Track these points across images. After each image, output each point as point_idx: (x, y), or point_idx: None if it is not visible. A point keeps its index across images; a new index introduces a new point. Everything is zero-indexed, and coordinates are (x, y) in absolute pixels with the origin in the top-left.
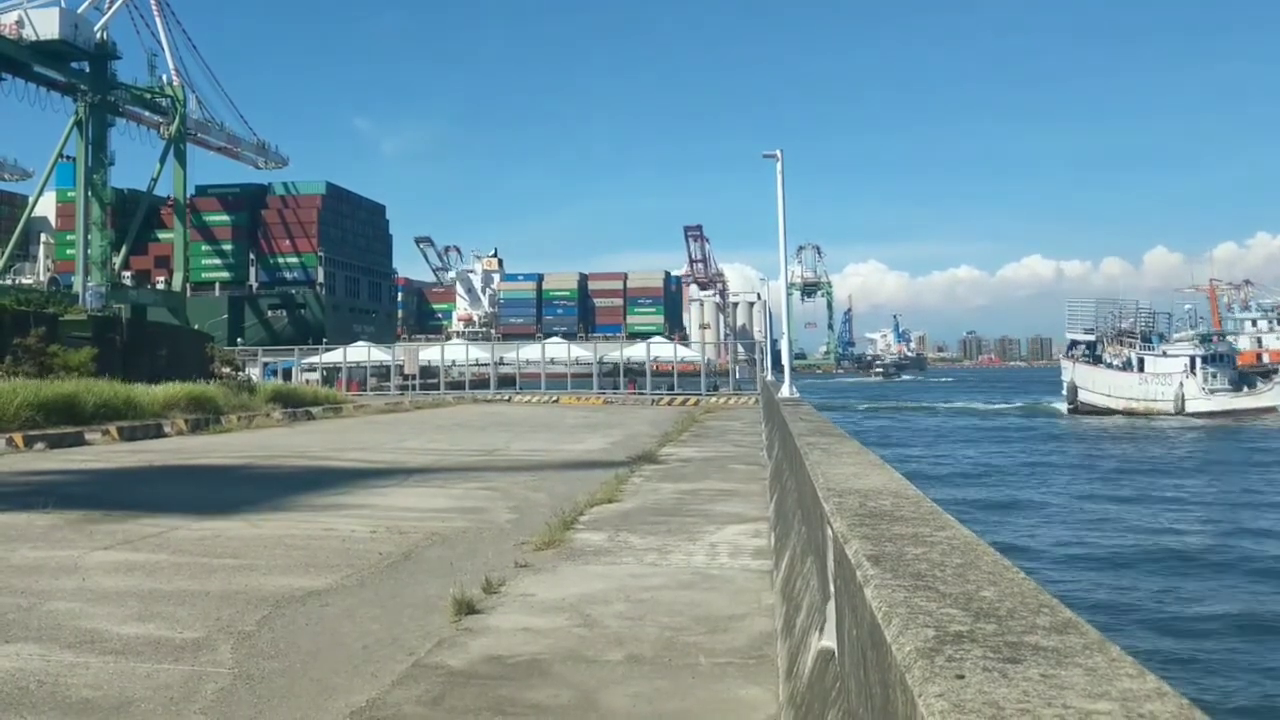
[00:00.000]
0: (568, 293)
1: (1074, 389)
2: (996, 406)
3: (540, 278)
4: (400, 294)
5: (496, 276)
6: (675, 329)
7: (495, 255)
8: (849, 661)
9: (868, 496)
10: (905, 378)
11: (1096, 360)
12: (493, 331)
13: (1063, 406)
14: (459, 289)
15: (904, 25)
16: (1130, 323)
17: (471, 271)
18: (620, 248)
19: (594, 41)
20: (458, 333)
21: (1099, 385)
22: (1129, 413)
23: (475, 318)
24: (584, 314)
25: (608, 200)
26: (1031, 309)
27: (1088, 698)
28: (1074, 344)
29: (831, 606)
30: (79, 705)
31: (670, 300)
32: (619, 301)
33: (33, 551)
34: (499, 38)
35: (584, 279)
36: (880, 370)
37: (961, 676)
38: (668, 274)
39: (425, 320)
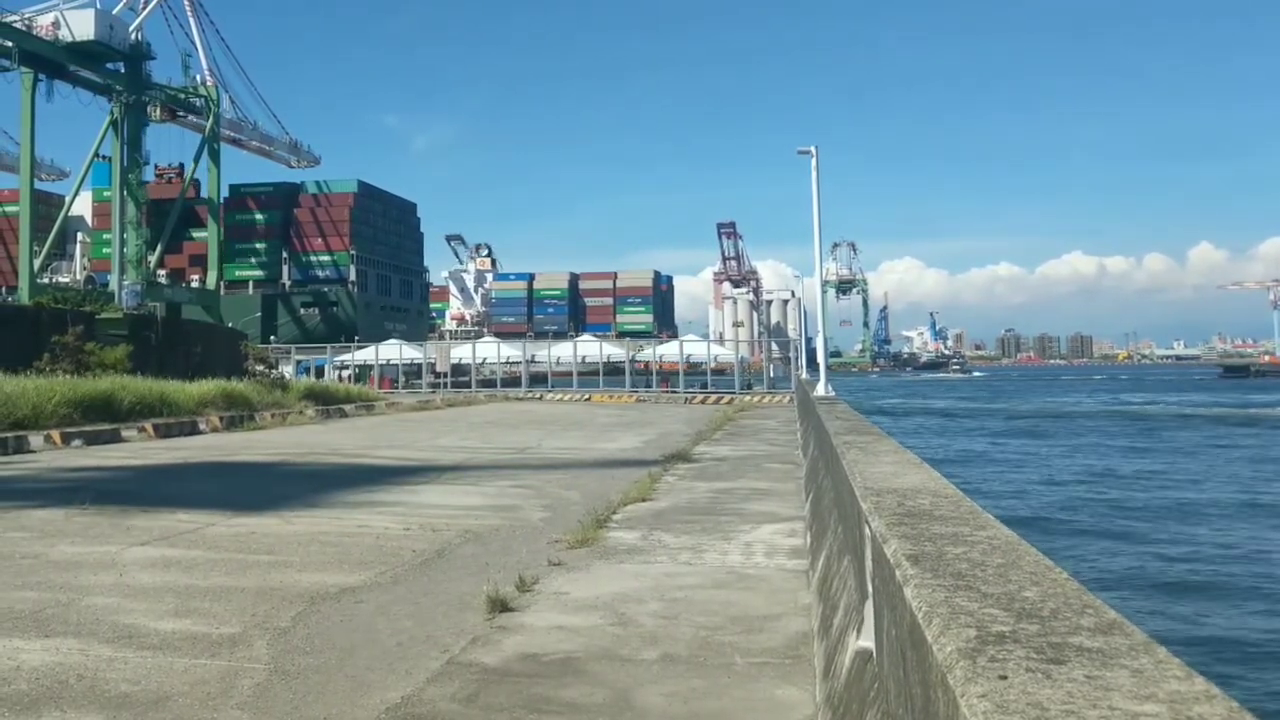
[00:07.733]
0: (559, 292)
1: None
2: None
3: (531, 277)
4: None
5: (489, 276)
6: (664, 328)
7: (489, 255)
8: (888, 662)
9: (906, 495)
10: (977, 374)
11: None
12: (485, 330)
13: None
14: (452, 288)
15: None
16: None
17: (465, 271)
18: (647, 244)
19: (624, 34)
20: (450, 332)
21: None
22: None
23: (468, 316)
24: (574, 313)
25: (636, 196)
26: (1072, 306)
27: (1134, 699)
28: None
29: (869, 606)
30: (117, 700)
31: (659, 299)
32: (609, 301)
33: (71, 547)
34: (526, 33)
35: (574, 279)
36: (957, 366)
37: (1004, 677)
38: (657, 274)
39: None
